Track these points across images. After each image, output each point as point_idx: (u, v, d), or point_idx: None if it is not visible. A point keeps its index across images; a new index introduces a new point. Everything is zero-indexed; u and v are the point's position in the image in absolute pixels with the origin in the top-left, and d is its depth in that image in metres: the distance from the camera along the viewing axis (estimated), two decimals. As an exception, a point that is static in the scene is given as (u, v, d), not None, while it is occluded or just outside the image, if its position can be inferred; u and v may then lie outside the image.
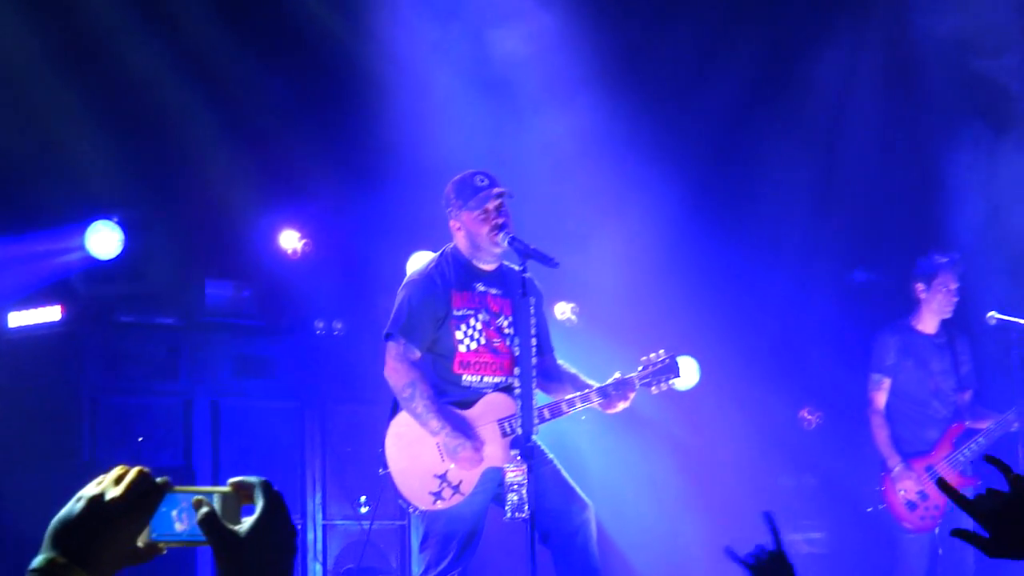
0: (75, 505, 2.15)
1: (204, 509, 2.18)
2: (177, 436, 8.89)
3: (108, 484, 2.17)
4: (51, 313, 8.77)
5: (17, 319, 8.85)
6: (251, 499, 2.24)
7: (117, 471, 2.19)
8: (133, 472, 2.19)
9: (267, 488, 2.24)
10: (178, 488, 2.22)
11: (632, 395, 6.98)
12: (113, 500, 2.15)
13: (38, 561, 2.10)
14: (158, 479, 2.20)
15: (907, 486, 8.98)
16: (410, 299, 6.94)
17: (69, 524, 2.14)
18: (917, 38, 11.00)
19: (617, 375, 6.99)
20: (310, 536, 9.12)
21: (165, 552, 2.23)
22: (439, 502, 6.80)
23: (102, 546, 2.13)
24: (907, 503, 8.98)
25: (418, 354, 6.89)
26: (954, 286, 9.16)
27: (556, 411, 6.91)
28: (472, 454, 6.76)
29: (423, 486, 6.81)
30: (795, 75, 11.37)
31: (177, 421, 8.91)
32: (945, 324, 9.29)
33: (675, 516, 10.30)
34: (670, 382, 7.09)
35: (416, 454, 6.82)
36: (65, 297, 8.81)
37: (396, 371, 6.86)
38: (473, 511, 6.84)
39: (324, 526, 9.17)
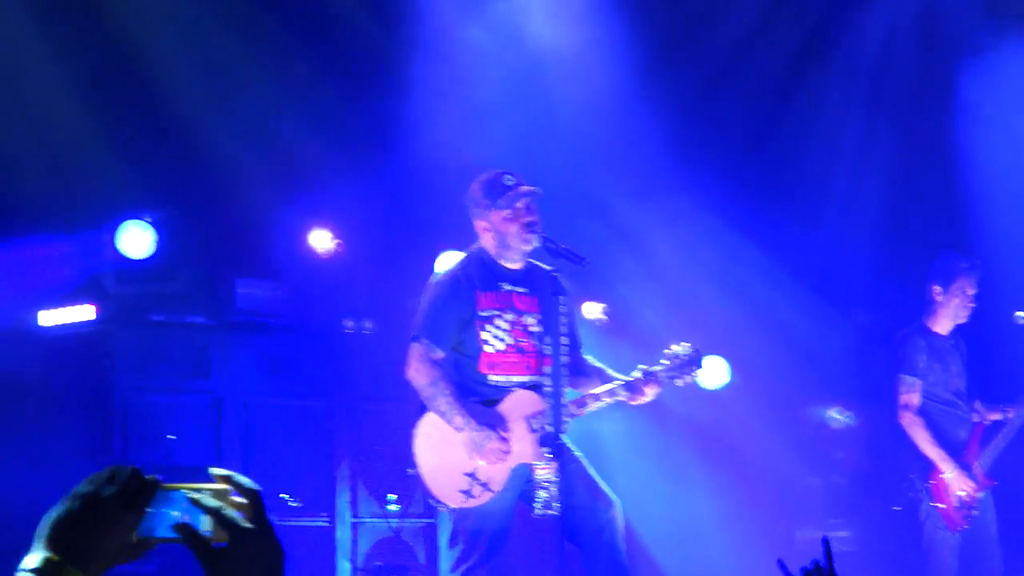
0: (71, 504, 2.18)
1: (184, 527, 2.19)
2: (208, 435, 8.93)
3: (102, 483, 2.20)
4: (84, 312, 8.82)
5: (49, 318, 8.90)
6: (241, 497, 2.25)
7: (109, 470, 2.22)
8: (127, 470, 2.22)
9: (256, 501, 2.24)
10: (168, 485, 2.25)
11: (658, 388, 6.99)
12: (109, 498, 2.19)
13: (36, 561, 2.12)
14: (148, 477, 2.24)
15: (966, 487, 8.91)
16: (434, 300, 6.97)
17: (64, 523, 2.16)
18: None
19: (643, 368, 7.00)
20: (339, 534, 9.14)
21: (155, 547, 2.25)
22: (469, 500, 6.82)
23: (97, 544, 2.16)
24: (960, 504, 8.93)
25: (441, 354, 6.92)
26: (972, 292, 9.06)
27: (582, 405, 6.94)
28: (498, 445, 6.78)
29: (453, 484, 6.83)
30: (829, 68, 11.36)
31: (208, 420, 8.95)
32: (955, 327, 9.24)
33: (702, 514, 10.29)
34: (694, 375, 7.09)
35: (444, 453, 6.85)
36: (97, 296, 8.85)
37: (418, 371, 6.89)
38: (502, 508, 6.86)
39: (353, 524, 9.19)
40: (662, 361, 7.04)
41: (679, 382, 7.09)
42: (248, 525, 2.20)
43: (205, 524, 2.20)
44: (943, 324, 9.19)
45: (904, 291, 10.56)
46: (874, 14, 11.26)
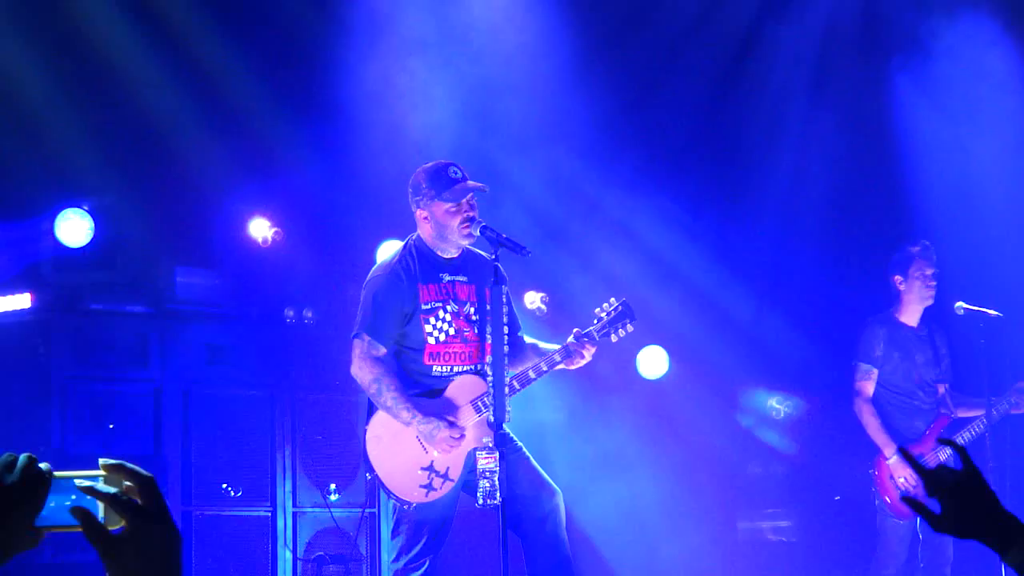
0: None
1: (81, 511, 2.18)
2: (147, 424, 8.88)
3: (1, 470, 2.20)
4: (21, 301, 8.74)
5: (-13, 306, 8.83)
6: (133, 483, 2.25)
7: (5, 458, 2.21)
8: (23, 458, 2.21)
9: (150, 489, 2.23)
10: (60, 474, 2.24)
11: (593, 348, 7.03)
12: (10, 486, 2.18)
13: None
14: (41, 465, 2.23)
15: (906, 474, 8.99)
16: (374, 296, 6.95)
17: None
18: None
19: (576, 331, 7.04)
20: (280, 523, 9.12)
21: (45, 537, 2.24)
22: (431, 493, 6.83)
23: (4, 530, 2.16)
24: (902, 491, 9.01)
25: (383, 350, 6.91)
26: (930, 271, 9.21)
27: (524, 380, 6.97)
28: (448, 432, 6.78)
29: (413, 481, 6.83)
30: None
31: (147, 409, 8.90)
32: (925, 318, 9.32)
33: (644, 504, 10.32)
34: (627, 327, 7.13)
35: (398, 451, 6.84)
36: (35, 285, 8.78)
37: (361, 368, 6.89)
38: (445, 498, 6.87)
39: (294, 513, 9.18)
40: (594, 321, 7.08)
41: (614, 337, 7.15)
42: (144, 509, 2.20)
43: (100, 511, 2.20)
44: (910, 314, 9.30)
45: (846, 280, 10.65)
46: (814, 7, 11.31)
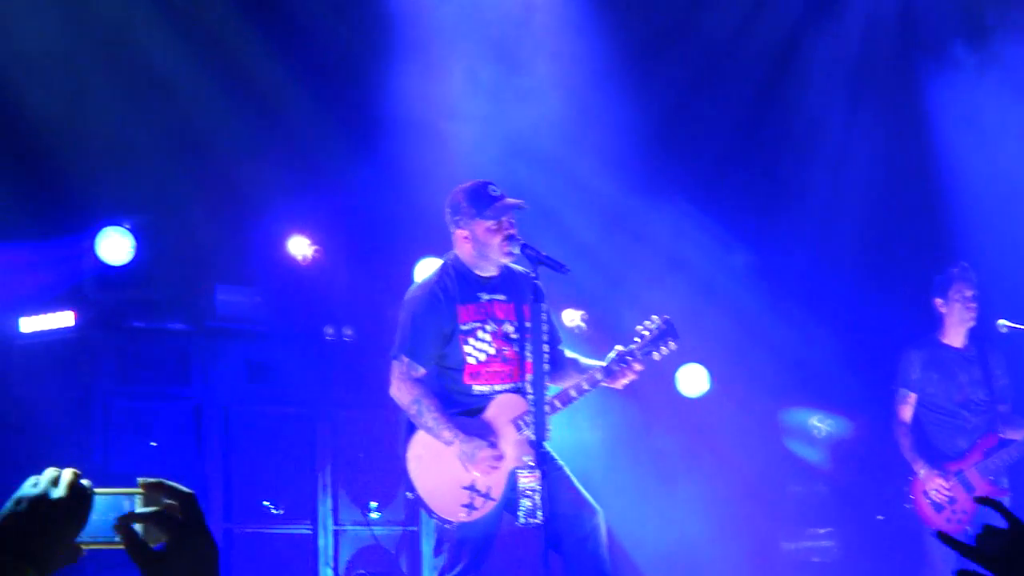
0: (16, 507, 2.19)
1: (123, 527, 2.21)
2: (188, 441, 8.91)
3: (46, 485, 2.21)
4: (64, 319, 8.80)
5: (30, 324, 8.87)
6: (173, 500, 2.26)
7: (51, 472, 2.22)
8: (69, 473, 2.23)
9: (190, 505, 2.25)
10: (100, 491, 2.25)
11: (636, 367, 6.96)
12: (58, 500, 2.19)
13: None
14: (84, 481, 2.24)
15: (935, 486, 8.98)
16: (413, 317, 6.93)
17: (13, 526, 2.17)
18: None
19: (618, 349, 6.99)
20: (321, 541, 9.14)
21: (85, 554, 2.25)
22: (473, 512, 6.81)
23: (48, 544, 2.18)
24: (934, 505, 9.00)
25: (422, 371, 6.89)
26: (969, 293, 9.21)
27: (566, 399, 6.92)
28: (489, 453, 6.77)
29: (454, 500, 6.81)
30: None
31: (188, 426, 8.94)
32: (975, 338, 9.31)
33: (685, 523, 10.29)
34: (670, 345, 7.04)
35: (439, 471, 6.82)
36: (77, 303, 8.84)
37: (400, 390, 6.88)
38: (487, 517, 6.86)
39: (335, 531, 9.18)
40: (635, 339, 7.02)
41: (656, 355, 7.04)
42: (185, 525, 2.21)
43: (140, 526, 2.22)
44: (953, 335, 9.32)
45: (885, 298, 10.60)
46: (850, 22, 11.28)
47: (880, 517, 9.25)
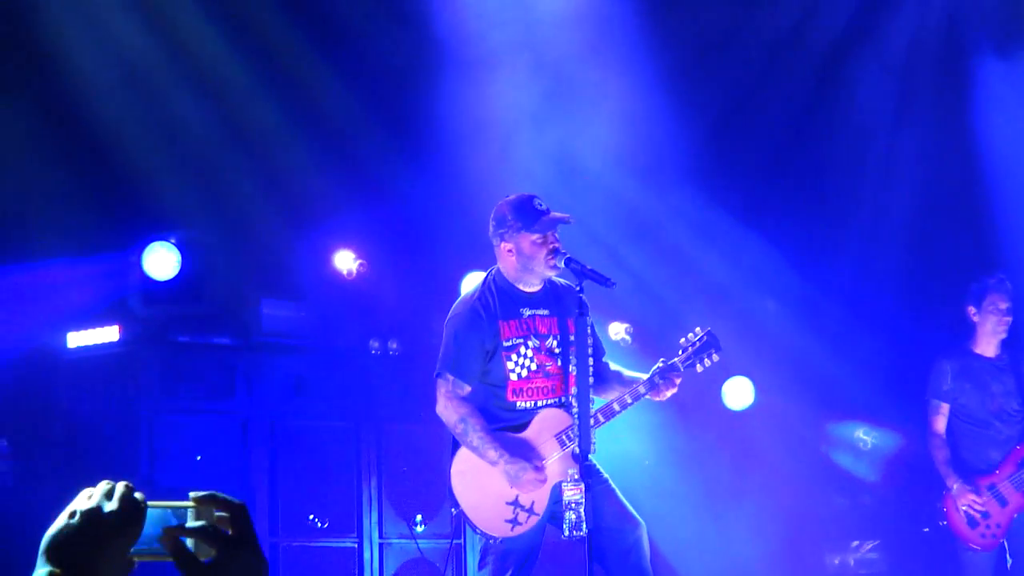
0: (70, 520, 2.20)
1: (172, 540, 2.22)
2: (235, 455, 8.95)
3: (100, 498, 2.22)
4: (109, 334, 8.85)
5: (76, 340, 8.93)
6: (225, 512, 2.27)
7: (104, 485, 2.24)
8: (122, 486, 2.24)
9: (242, 516, 2.26)
10: (153, 504, 2.27)
11: (679, 380, 6.95)
12: (111, 514, 2.20)
13: None
14: (137, 494, 2.25)
15: (967, 501, 8.92)
16: (456, 335, 6.92)
17: (67, 538, 2.18)
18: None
19: (661, 362, 6.98)
20: (366, 555, 9.16)
21: (136, 566, 2.26)
22: (516, 528, 6.80)
23: (101, 558, 2.18)
24: (968, 520, 8.93)
25: (468, 389, 6.88)
26: (1004, 305, 9.14)
27: (609, 413, 6.90)
28: (534, 475, 6.76)
29: (498, 515, 6.81)
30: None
31: (235, 440, 8.97)
32: (1007, 347, 9.25)
33: (729, 535, 10.27)
34: (713, 357, 7.04)
35: (483, 486, 6.82)
36: (123, 318, 8.89)
37: (447, 408, 6.87)
38: (531, 529, 6.85)
39: (381, 545, 9.20)
40: (678, 352, 7.01)
41: (699, 367, 7.04)
42: (234, 539, 2.23)
43: (191, 540, 2.23)
44: (985, 345, 9.24)
45: (931, 310, 10.54)
46: (895, 33, 11.23)
47: (926, 529, 9.17)
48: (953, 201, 11.14)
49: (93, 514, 2.20)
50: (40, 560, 2.17)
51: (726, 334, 7.36)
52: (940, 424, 9.18)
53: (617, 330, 10.15)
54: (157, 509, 2.26)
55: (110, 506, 2.20)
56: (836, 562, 10.85)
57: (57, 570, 2.15)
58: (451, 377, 6.87)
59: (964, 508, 8.95)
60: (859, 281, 11.11)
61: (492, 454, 6.76)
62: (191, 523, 2.24)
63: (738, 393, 10.63)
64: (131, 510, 2.22)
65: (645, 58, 10.41)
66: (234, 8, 9.64)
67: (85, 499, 2.23)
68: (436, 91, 9.99)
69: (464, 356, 6.88)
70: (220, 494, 2.27)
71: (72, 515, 2.20)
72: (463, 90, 9.97)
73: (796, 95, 11.27)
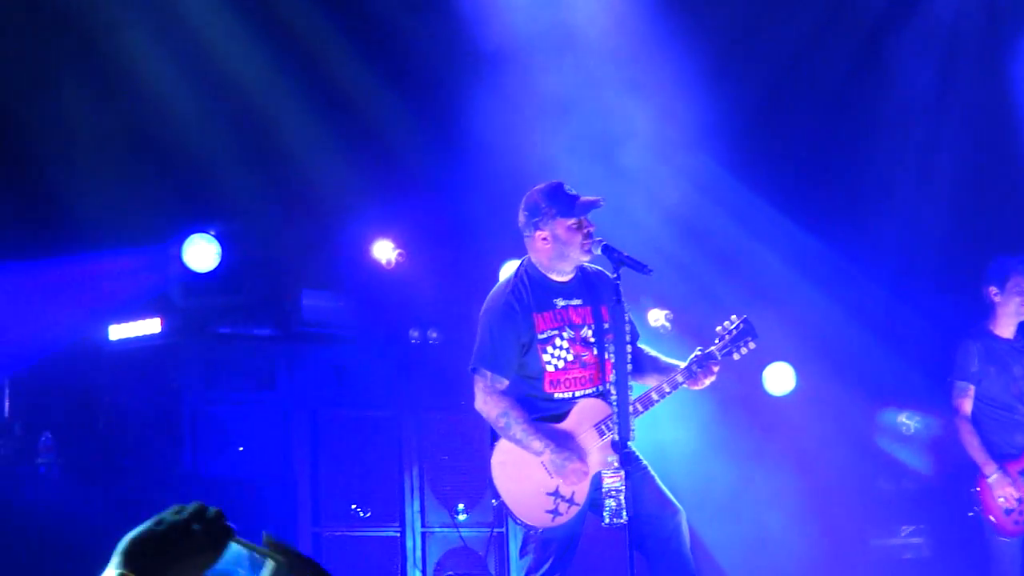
0: (156, 527, 2.23)
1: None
2: (276, 446, 8.98)
3: (190, 516, 2.24)
4: (151, 326, 8.90)
5: (118, 332, 8.98)
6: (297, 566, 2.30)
7: (198, 506, 2.26)
8: (214, 510, 2.26)
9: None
10: (238, 540, 2.29)
11: (716, 368, 6.92)
12: (198, 532, 2.22)
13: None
14: (227, 523, 2.28)
15: (1007, 492, 8.84)
16: (491, 329, 6.89)
17: (149, 544, 2.21)
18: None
19: (698, 351, 6.96)
20: (409, 543, 9.18)
21: None
22: (557, 518, 6.79)
23: (171, 571, 2.20)
24: (1005, 509, 8.86)
25: (506, 383, 6.85)
26: None
27: (647, 402, 6.88)
28: (579, 466, 6.74)
29: (539, 506, 6.80)
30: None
31: (276, 431, 9.00)
32: (1022, 329, 9.15)
33: (771, 522, 10.25)
34: (749, 345, 7.01)
35: (524, 477, 6.81)
36: (164, 310, 8.94)
37: (487, 403, 6.85)
38: (572, 518, 6.85)
39: (423, 534, 9.22)
40: (715, 340, 6.99)
41: (736, 355, 7.01)
42: None
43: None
44: (1005, 326, 9.10)
45: (973, 296, 10.49)
46: (936, 17, 11.18)
47: (971, 513, 9.10)
48: (997, 183, 11.07)
49: (179, 528, 2.23)
50: (115, 559, 2.19)
51: (766, 320, 7.35)
52: (967, 406, 9.02)
53: (657, 316, 10.14)
54: (239, 547, 2.29)
55: (197, 526, 2.22)
56: (880, 546, 10.82)
57: (129, 573, 2.16)
58: (488, 372, 6.86)
59: (1000, 499, 8.86)
60: (901, 264, 11.06)
61: (537, 444, 6.74)
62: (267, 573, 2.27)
63: (779, 379, 10.61)
64: (219, 535, 2.25)
65: (682, 46, 10.38)
66: (274, 3, 9.67)
67: (174, 512, 2.25)
68: (473, 81, 9.99)
69: (500, 350, 6.86)
70: (294, 549, 2.32)
71: (159, 523, 2.23)
72: (500, 80, 9.96)
73: (835, 79, 11.22)
